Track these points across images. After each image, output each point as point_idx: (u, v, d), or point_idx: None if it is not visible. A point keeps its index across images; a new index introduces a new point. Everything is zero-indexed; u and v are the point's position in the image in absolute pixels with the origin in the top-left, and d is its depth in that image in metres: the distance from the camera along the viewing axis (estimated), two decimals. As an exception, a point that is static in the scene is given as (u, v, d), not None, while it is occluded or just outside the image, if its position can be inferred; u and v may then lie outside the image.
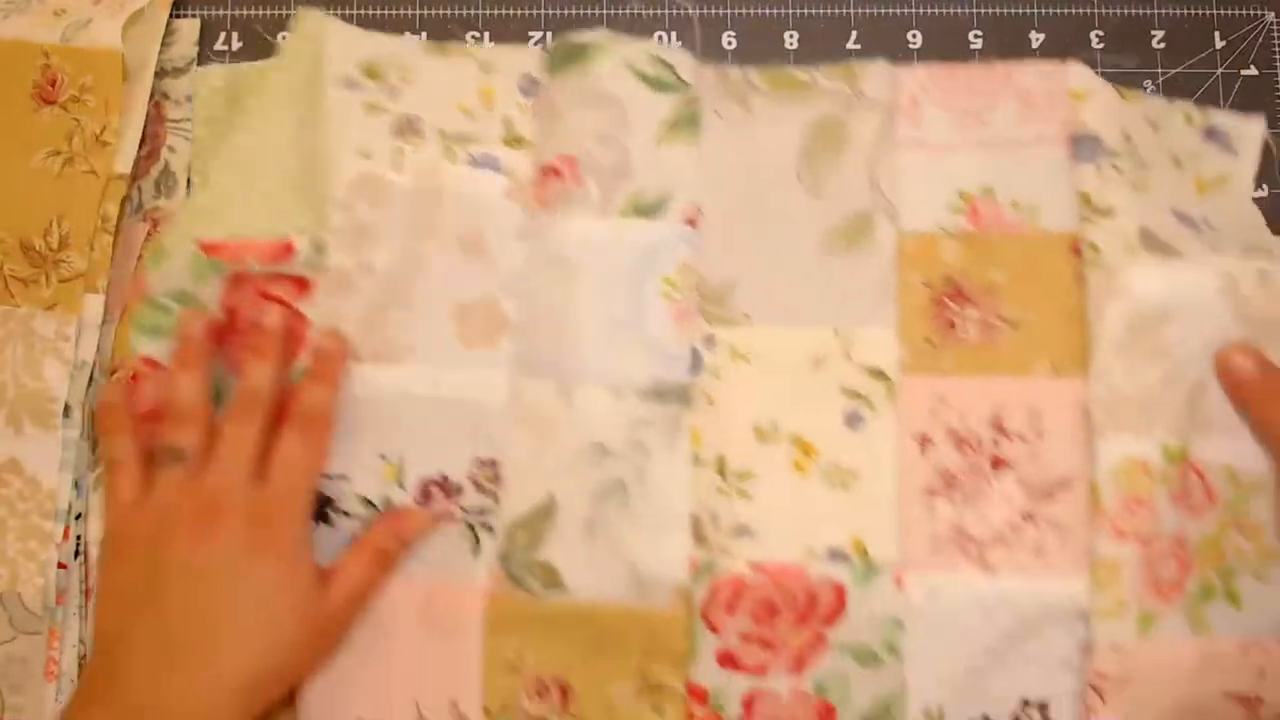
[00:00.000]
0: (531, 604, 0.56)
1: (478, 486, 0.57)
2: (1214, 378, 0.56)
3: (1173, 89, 0.63)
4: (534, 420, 0.57)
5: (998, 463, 0.57)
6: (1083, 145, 0.59)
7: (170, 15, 0.61)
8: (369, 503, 0.57)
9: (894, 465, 0.57)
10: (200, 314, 0.57)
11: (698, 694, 0.56)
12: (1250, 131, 0.61)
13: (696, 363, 0.58)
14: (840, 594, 0.56)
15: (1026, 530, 0.56)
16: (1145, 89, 0.62)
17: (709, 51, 0.62)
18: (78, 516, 0.58)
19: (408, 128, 0.59)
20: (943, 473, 0.57)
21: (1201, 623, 0.55)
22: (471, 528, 0.57)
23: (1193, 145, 0.61)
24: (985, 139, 0.60)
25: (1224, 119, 0.61)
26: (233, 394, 0.55)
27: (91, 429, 0.58)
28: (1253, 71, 0.64)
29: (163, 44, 0.61)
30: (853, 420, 0.57)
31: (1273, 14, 0.64)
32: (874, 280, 0.58)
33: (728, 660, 0.56)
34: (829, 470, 0.57)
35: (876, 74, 0.61)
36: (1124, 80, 0.61)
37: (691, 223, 0.59)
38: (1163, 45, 0.64)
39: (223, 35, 0.63)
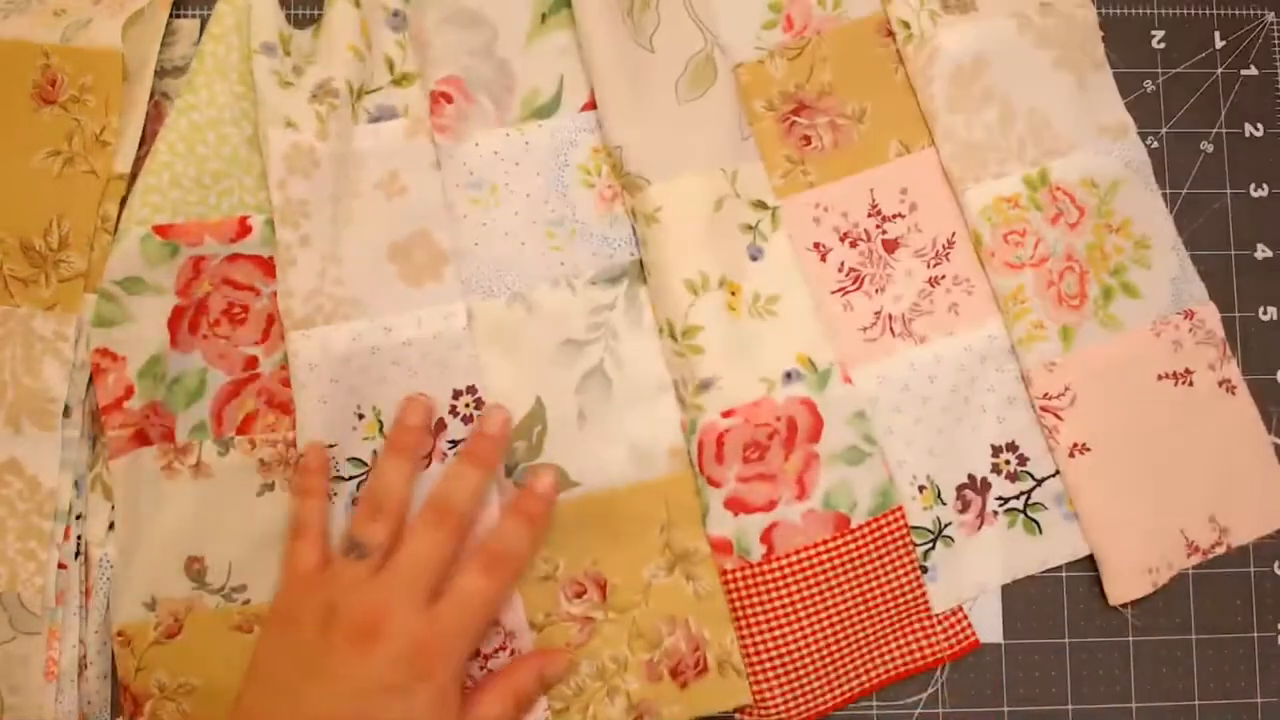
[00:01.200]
0: None
1: (462, 418, 0.60)
2: (1048, 103, 0.63)
3: (1173, 89, 0.65)
4: (500, 336, 0.60)
5: (889, 245, 0.63)
6: None
7: (170, 15, 0.62)
8: (360, 462, 0.59)
9: (801, 279, 0.62)
10: (425, 400, 0.58)
11: (721, 546, 0.59)
12: None
13: (635, 238, 0.61)
14: (812, 408, 0.60)
15: (936, 294, 0.62)
16: (1145, 89, 0.66)
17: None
18: (78, 517, 0.58)
19: (322, 90, 0.60)
20: (847, 271, 0.62)
21: (1112, 321, 0.62)
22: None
23: None
24: None
25: None
26: (431, 497, 0.55)
27: (91, 429, 0.59)
28: (1253, 71, 0.66)
29: (163, 44, 0.61)
30: (754, 252, 0.62)
31: (1273, 14, 0.66)
32: (733, 115, 0.63)
33: (737, 505, 0.59)
34: (753, 303, 0.61)
35: None
36: (1124, 81, 0.65)
37: (591, 105, 0.62)
38: (1163, 45, 0.66)
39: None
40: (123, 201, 0.59)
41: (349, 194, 0.60)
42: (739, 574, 0.58)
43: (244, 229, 0.59)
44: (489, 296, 0.60)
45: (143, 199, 0.58)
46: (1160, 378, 0.61)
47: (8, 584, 0.56)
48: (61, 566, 0.57)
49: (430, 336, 0.59)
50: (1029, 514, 0.60)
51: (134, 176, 0.59)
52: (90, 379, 0.58)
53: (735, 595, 0.58)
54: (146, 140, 0.60)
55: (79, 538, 0.58)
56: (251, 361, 0.59)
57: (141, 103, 0.60)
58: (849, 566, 0.58)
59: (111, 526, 0.58)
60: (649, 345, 0.60)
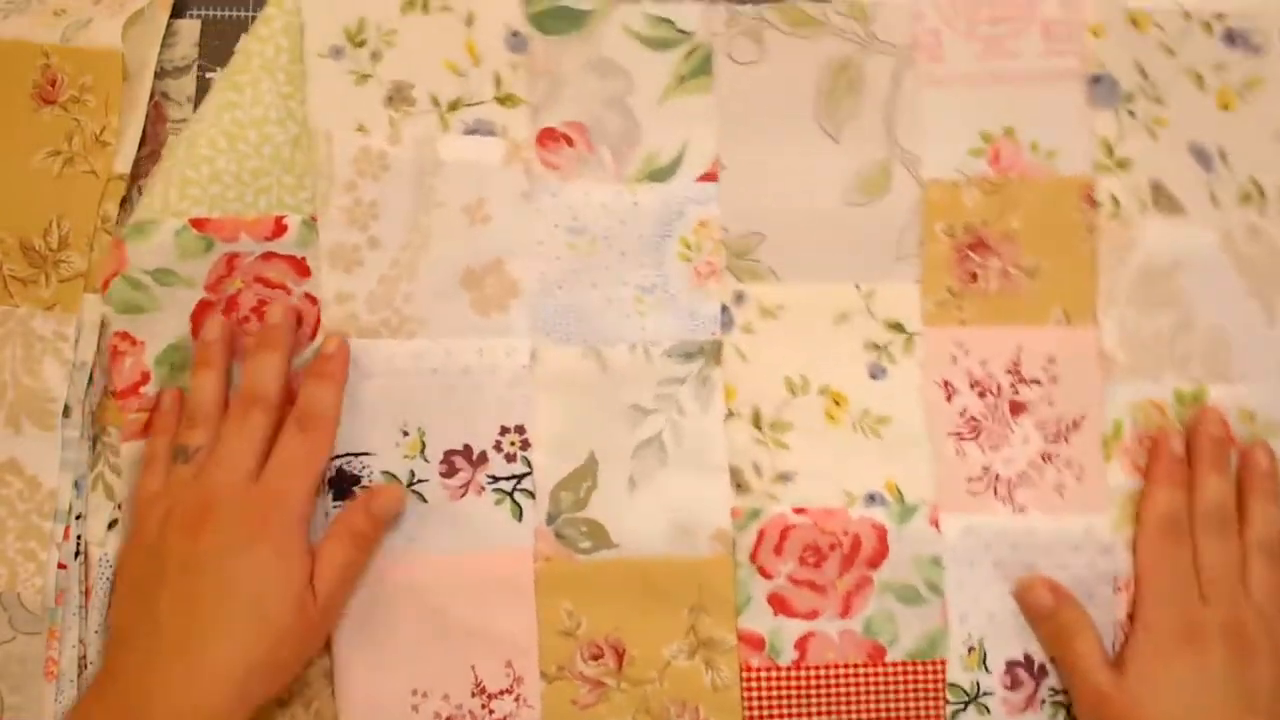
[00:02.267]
0: (581, 564, 0.59)
1: (506, 455, 0.59)
2: (1229, 326, 0.60)
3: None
4: (563, 384, 0.59)
5: (1016, 407, 0.60)
6: (1100, 89, 0.60)
7: (170, 16, 0.61)
8: (393, 477, 0.58)
9: (921, 411, 0.60)
10: (221, 318, 0.58)
11: (753, 641, 0.59)
12: (1273, 21, 0.62)
13: (726, 320, 0.59)
14: (882, 535, 0.59)
15: (1047, 470, 0.59)
16: None
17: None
18: (78, 517, 0.58)
19: (399, 96, 0.59)
20: (967, 418, 0.60)
21: None
22: (510, 495, 0.58)
23: (1215, 55, 0.61)
24: (1006, 71, 0.60)
25: (1241, 18, 0.62)
26: (238, 389, 0.56)
27: (91, 429, 0.58)
28: None
29: (163, 45, 0.61)
30: (875, 371, 0.60)
31: None
32: (895, 232, 0.60)
33: (779, 604, 0.59)
34: (859, 418, 0.59)
35: (891, 11, 0.60)
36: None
37: (710, 177, 0.60)
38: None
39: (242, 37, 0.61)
40: (123, 201, 0.59)
41: (429, 204, 0.58)
42: (763, 674, 0.58)
43: (280, 228, 0.58)
44: (563, 343, 0.59)
45: (180, 191, 0.57)
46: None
47: (7, 584, 0.56)
48: (61, 566, 0.56)
49: (489, 368, 0.58)
50: (1071, 712, 0.59)
51: (135, 177, 0.59)
52: (90, 378, 0.57)
53: (753, 694, 0.58)
54: (147, 141, 0.59)
55: (79, 538, 0.57)
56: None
57: (141, 103, 0.59)
58: (874, 698, 0.59)
59: (111, 525, 0.58)
60: (712, 428, 0.59)
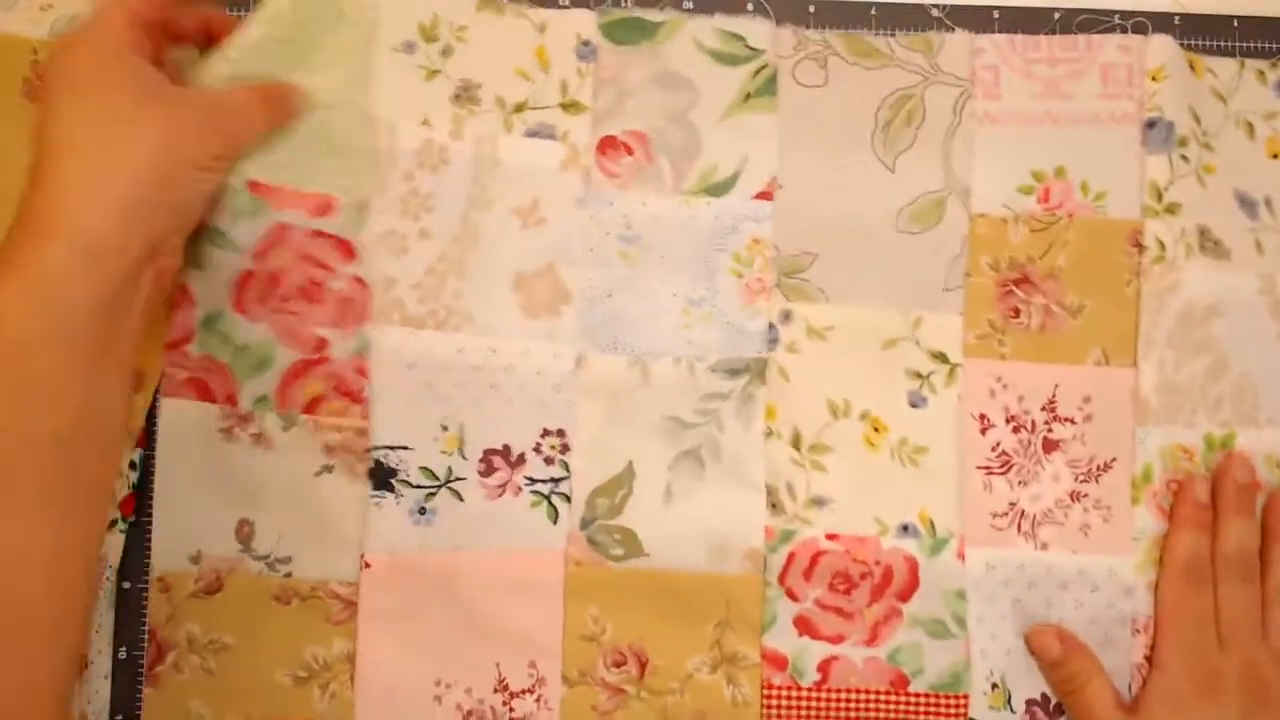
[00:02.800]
0: (612, 570, 0.59)
1: (545, 458, 0.59)
2: (1259, 371, 0.60)
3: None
4: (607, 392, 0.60)
5: (1049, 445, 0.60)
6: (1156, 134, 0.60)
7: None
8: (431, 473, 0.59)
9: (956, 443, 0.60)
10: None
11: (777, 661, 0.59)
12: None
13: (772, 338, 0.60)
14: (913, 568, 0.59)
15: (1074, 509, 0.60)
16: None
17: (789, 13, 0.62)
18: None
19: (465, 95, 0.60)
20: (999, 452, 0.60)
21: None
22: (548, 498, 0.59)
23: (1267, 105, 0.62)
24: (1063, 113, 0.61)
25: None
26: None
27: None
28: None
29: None
30: (916, 400, 0.60)
31: None
32: (944, 263, 0.61)
33: (805, 626, 0.59)
34: (898, 446, 0.60)
35: (955, 46, 0.61)
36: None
37: (766, 195, 0.60)
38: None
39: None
40: None
41: (483, 202, 0.59)
42: (784, 693, 0.59)
43: (327, 205, 0.59)
44: (609, 351, 0.59)
45: (249, 156, 0.58)
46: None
47: None
48: None
49: (534, 370, 0.59)
50: None
51: None
52: None
53: (773, 712, 0.59)
54: None
55: None
56: (321, 343, 0.59)
57: None
58: None
59: (111, 525, 0.58)
60: (752, 446, 0.59)
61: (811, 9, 0.62)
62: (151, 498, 0.59)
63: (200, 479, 0.59)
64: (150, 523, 0.59)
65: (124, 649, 0.59)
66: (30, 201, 0.47)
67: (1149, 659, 0.58)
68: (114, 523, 0.58)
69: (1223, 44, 0.63)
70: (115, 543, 0.58)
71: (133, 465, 0.58)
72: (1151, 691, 0.57)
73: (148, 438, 0.59)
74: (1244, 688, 0.55)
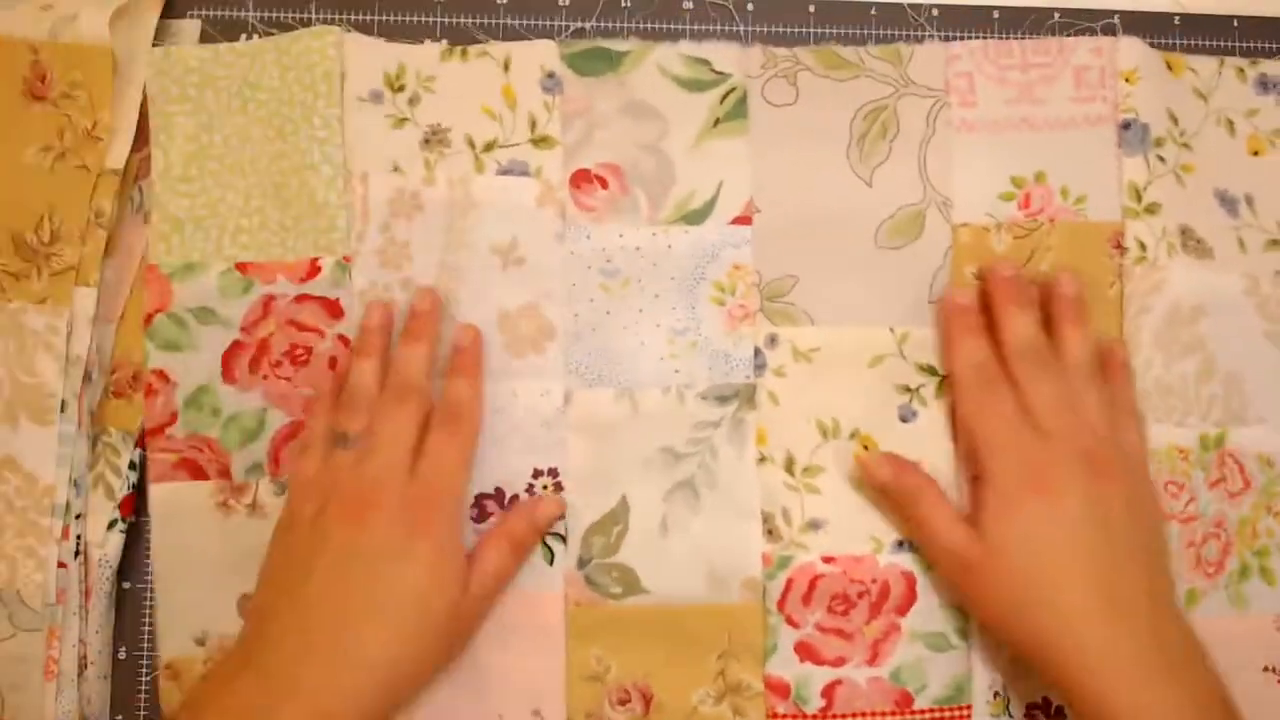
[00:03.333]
0: (611, 609, 0.59)
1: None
2: (1247, 370, 0.61)
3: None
4: (596, 427, 0.59)
5: None
6: (1131, 135, 0.61)
7: (171, 16, 0.61)
8: None
9: (948, 455, 0.60)
10: (383, 303, 0.58)
11: (779, 689, 0.59)
12: None
13: (759, 363, 0.60)
14: (911, 583, 0.59)
15: None
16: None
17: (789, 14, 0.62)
18: (77, 516, 0.58)
19: (435, 138, 0.60)
20: None
21: (1240, 599, 0.60)
22: (543, 541, 0.59)
23: (1247, 102, 0.63)
24: (1038, 117, 0.61)
25: (1275, 65, 0.63)
26: (389, 380, 0.56)
27: (92, 428, 0.58)
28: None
29: (164, 44, 0.60)
30: (906, 414, 0.60)
31: None
32: (927, 275, 0.61)
33: (806, 652, 0.59)
34: None
35: (926, 55, 0.61)
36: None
37: (744, 219, 0.60)
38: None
39: (243, 38, 0.61)
40: (123, 201, 0.59)
41: (460, 245, 0.59)
42: None
43: (314, 269, 0.59)
44: (595, 385, 0.59)
45: (233, 239, 0.58)
46: (1265, 669, 0.60)
47: (7, 581, 0.56)
48: (61, 566, 0.57)
49: (523, 410, 0.59)
50: None
51: (135, 176, 0.60)
52: (89, 376, 0.58)
53: None
54: (148, 141, 0.59)
55: (79, 537, 0.57)
56: (310, 404, 0.58)
57: (133, 98, 0.59)
58: None
59: (111, 525, 0.58)
60: (745, 473, 0.59)
61: (811, 9, 0.63)
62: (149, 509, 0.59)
63: (199, 558, 0.58)
64: (149, 525, 0.58)
65: (124, 649, 0.59)
66: (263, 647, 0.51)
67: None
68: (113, 523, 0.58)
69: (1223, 44, 0.63)
70: (116, 542, 0.58)
71: (132, 465, 0.58)
72: (983, 500, 0.54)
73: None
74: (1076, 472, 0.53)
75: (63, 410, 0.57)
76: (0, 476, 0.56)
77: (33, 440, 0.57)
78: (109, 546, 0.58)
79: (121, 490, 0.58)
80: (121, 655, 0.59)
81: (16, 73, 0.58)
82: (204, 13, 0.61)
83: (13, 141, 0.58)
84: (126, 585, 0.59)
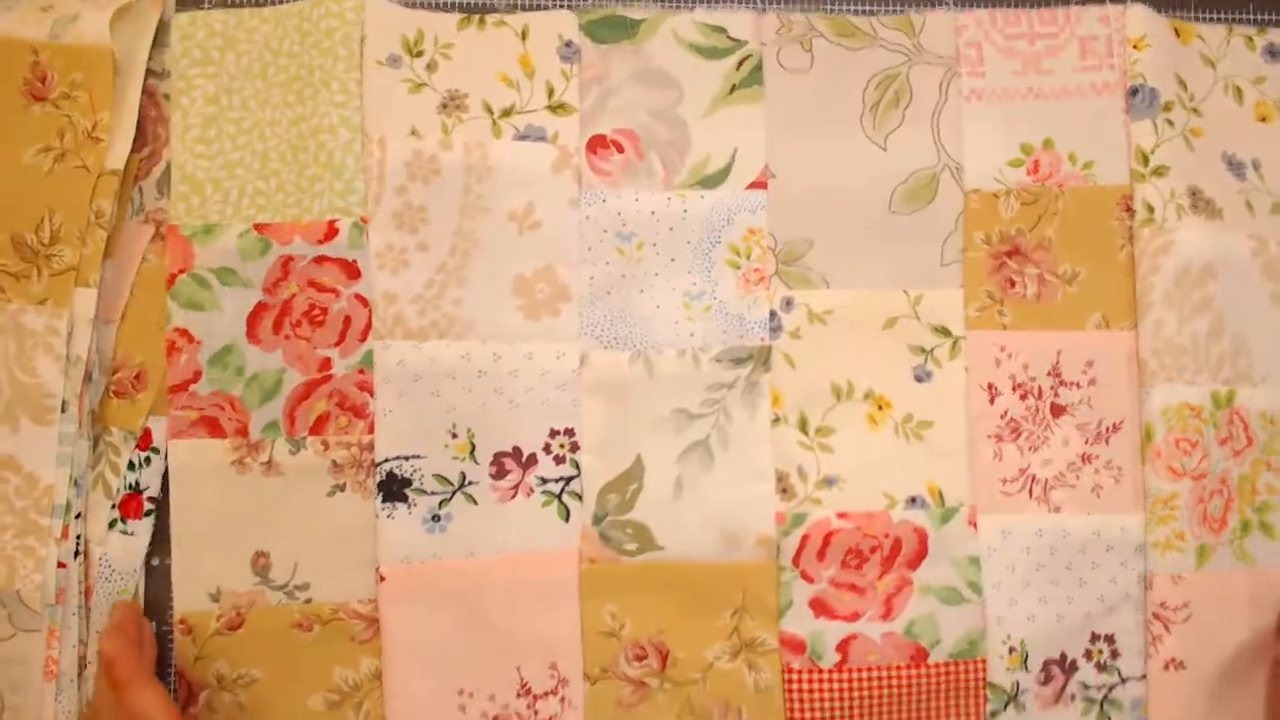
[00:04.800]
0: (626, 566, 0.60)
1: (555, 457, 0.60)
2: (1254, 331, 0.62)
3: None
4: (612, 388, 0.61)
5: (1056, 409, 0.62)
6: (1139, 100, 0.62)
7: (182, 9, 0.62)
8: (444, 479, 0.60)
9: (964, 414, 0.61)
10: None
11: (794, 645, 0.60)
12: None
13: (775, 325, 0.61)
14: (923, 538, 0.61)
15: (1085, 472, 0.62)
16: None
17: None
18: (77, 516, 0.59)
19: (453, 103, 0.61)
20: (1008, 420, 0.62)
21: (1244, 554, 0.62)
22: (559, 497, 0.60)
23: (1255, 69, 0.64)
24: (1045, 87, 0.63)
25: None
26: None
27: (93, 429, 0.59)
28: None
29: (164, 44, 0.62)
30: (920, 374, 0.61)
31: None
32: (939, 239, 0.62)
33: (821, 607, 0.60)
34: (902, 422, 0.61)
35: (936, 24, 0.63)
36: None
37: (760, 184, 0.62)
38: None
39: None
40: (123, 202, 0.60)
41: (477, 209, 0.60)
42: (805, 676, 0.60)
43: (331, 231, 0.60)
44: (611, 348, 0.61)
45: (252, 200, 0.59)
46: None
47: (6, 581, 0.57)
48: (61, 566, 0.57)
49: (538, 372, 0.60)
50: (1104, 708, 0.62)
51: (135, 178, 0.61)
52: (89, 376, 0.59)
53: (795, 696, 0.60)
54: (148, 142, 0.61)
55: (79, 537, 0.58)
56: (326, 363, 0.60)
57: (133, 99, 0.61)
58: (916, 700, 0.60)
59: (112, 525, 0.59)
60: (758, 433, 0.60)
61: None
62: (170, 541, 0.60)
63: (214, 516, 0.59)
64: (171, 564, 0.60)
65: (154, 623, 0.59)
66: None
67: (1157, 616, 0.60)
68: (113, 524, 0.59)
69: (1239, 16, 0.65)
70: (116, 542, 0.59)
71: (131, 465, 0.59)
72: None
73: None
74: None
75: (63, 410, 0.57)
76: (0, 476, 0.57)
77: (33, 440, 0.57)
78: (109, 546, 0.59)
79: (120, 490, 0.59)
80: (153, 629, 0.60)
81: (17, 73, 0.59)
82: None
83: (13, 142, 0.58)
84: (155, 562, 0.60)
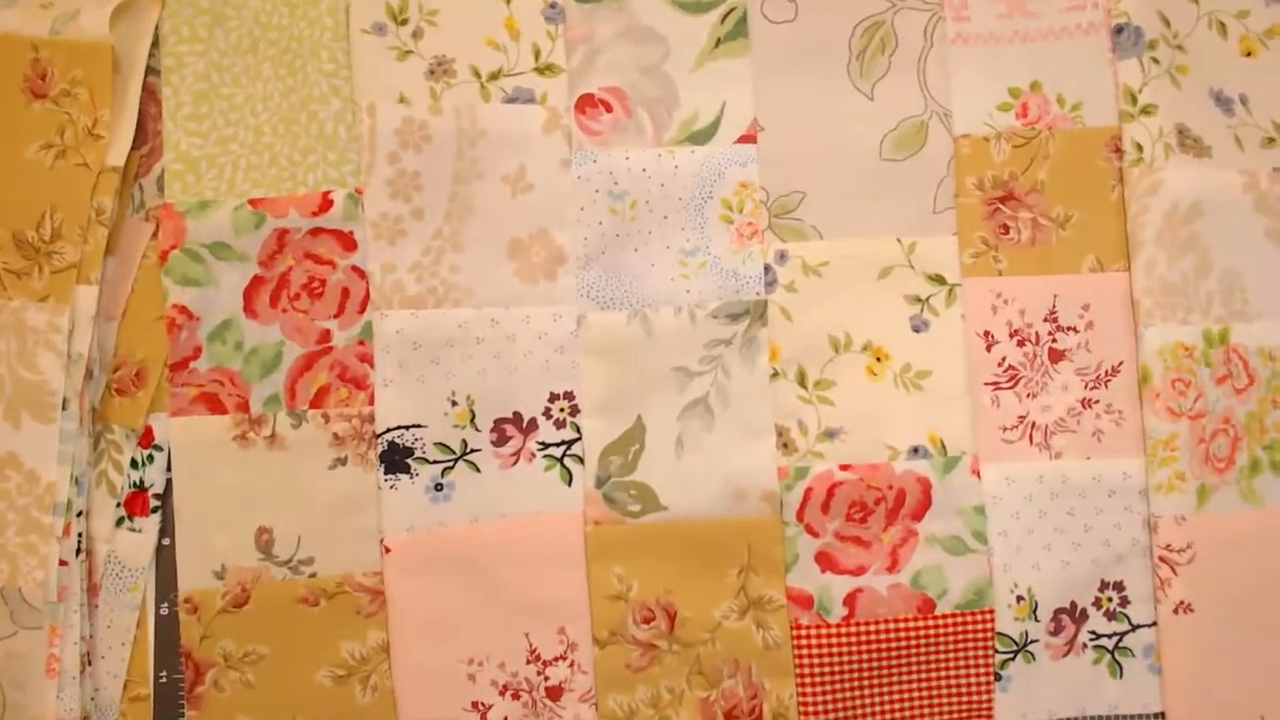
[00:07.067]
0: (630, 527, 0.61)
1: (555, 421, 0.61)
2: (1248, 267, 0.62)
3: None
4: (610, 349, 0.61)
5: (1055, 355, 0.62)
6: (1124, 39, 0.63)
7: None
8: (446, 447, 0.61)
9: (963, 362, 0.62)
10: None
11: (802, 600, 0.61)
12: None
13: (770, 279, 0.62)
14: (926, 488, 0.61)
15: (1085, 416, 0.62)
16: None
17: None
18: (79, 514, 0.59)
19: (440, 69, 0.62)
20: (1006, 367, 0.62)
21: (1252, 495, 0.62)
22: (560, 461, 0.61)
23: (1238, 3, 0.64)
24: (1031, 30, 0.63)
25: None
26: None
27: (94, 426, 0.60)
28: None
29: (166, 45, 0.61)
30: (918, 324, 0.62)
31: None
32: (931, 186, 0.62)
33: (827, 562, 0.61)
34: (900, 373, 0.62)
35: None
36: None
37: (749, 138, 0.62)
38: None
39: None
40: (123, 199, 0.60)
41: (471, 175, 0.61)
42: (813, 631, 0.61)
43: (326, 203, 0.61)
44: (607, 308, 0.61)
45: (245, 175, 0.60)
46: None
47: (8, 578, 0.57)
48: (63, 563, 0.58)
49: (536, 335, 0.61)
50: (1116, 656, 0.62)
51: (135, 175, 0.61)
52: (90, 373, 0.59)
53: (804, 651, 0.61)
54: (148, 139, 0.61)
55: (80, 535, 0.58)
56: (325, 335, 0.61)
57: (134, 96, 0.60)
58: (925, 651, 0.61)
59: (119, 524, 0.59)
60: (758, 387, 0.61)
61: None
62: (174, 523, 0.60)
63: (217, 493, 0.60)
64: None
65: (165, 605, 0.60)
66: None
67: (1163, 559, 0.60)
68: (120, 521, 0.59)
69: None
70: (121, 539, 0.59)
71: (134, 463, 0.60)
72: None
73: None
74: None
75: (64, 408, 0.58)
76: (1, 474, 0.58)
77: (34, 438, 0.58)
78: (116, 543, 0.59)
79: (123, 488, 0.59)
80: (164, 611, 0.60)
81: (17, 70, 0.60)
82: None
83: (13, 139, 0.59)
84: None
